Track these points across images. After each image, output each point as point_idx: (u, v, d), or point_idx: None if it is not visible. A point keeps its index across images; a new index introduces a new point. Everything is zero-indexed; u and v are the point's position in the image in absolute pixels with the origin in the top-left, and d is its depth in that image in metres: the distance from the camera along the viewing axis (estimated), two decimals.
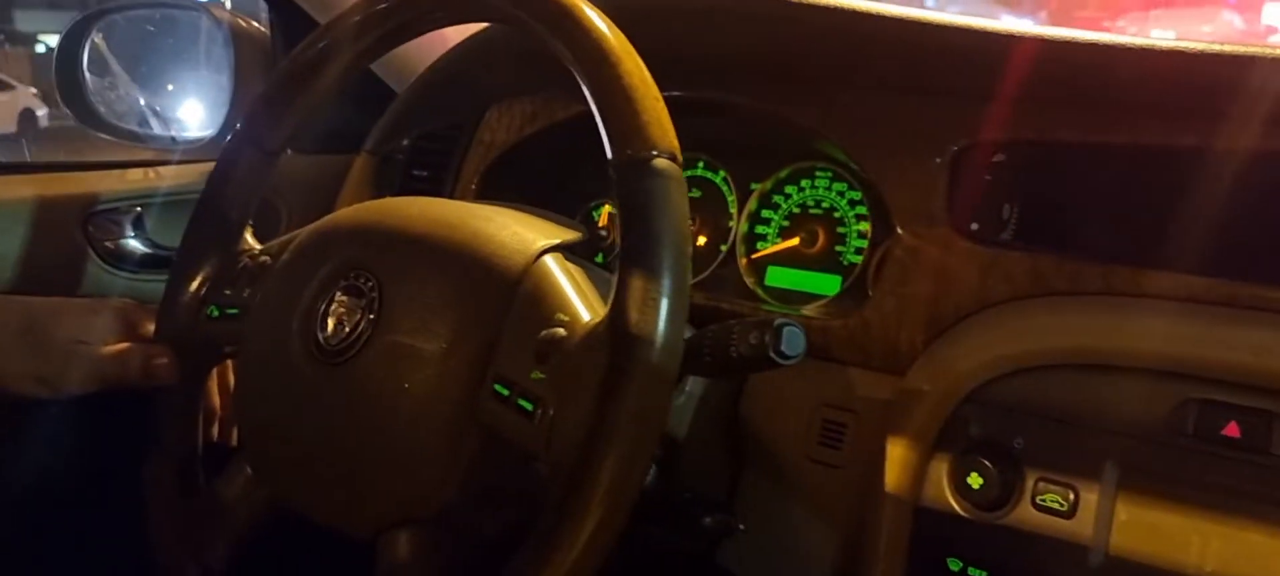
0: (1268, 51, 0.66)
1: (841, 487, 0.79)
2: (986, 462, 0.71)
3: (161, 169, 1.14)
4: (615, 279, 0.61)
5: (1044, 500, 0.69)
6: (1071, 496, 0.68)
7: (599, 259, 1.01)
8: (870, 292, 0.94)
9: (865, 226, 0.96)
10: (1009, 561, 0.70)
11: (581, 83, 0.65)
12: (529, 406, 0.63)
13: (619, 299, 0.60)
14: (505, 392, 0.64)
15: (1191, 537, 0.64)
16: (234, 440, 0.93)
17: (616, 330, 0.59)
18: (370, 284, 0.72)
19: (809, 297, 0.98)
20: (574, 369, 0.62)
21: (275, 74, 0.85)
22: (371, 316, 0.71)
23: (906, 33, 0.79)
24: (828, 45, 0.85)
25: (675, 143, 0.63)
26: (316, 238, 0.79)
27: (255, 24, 1.27)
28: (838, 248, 0.98)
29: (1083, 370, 0.70)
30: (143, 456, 0.84)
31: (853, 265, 0.96)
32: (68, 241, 1.04)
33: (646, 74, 0.64)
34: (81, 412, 0.88)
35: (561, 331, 0.64)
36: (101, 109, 1.25)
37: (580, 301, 0.66)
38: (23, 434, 0.95)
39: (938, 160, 0.79)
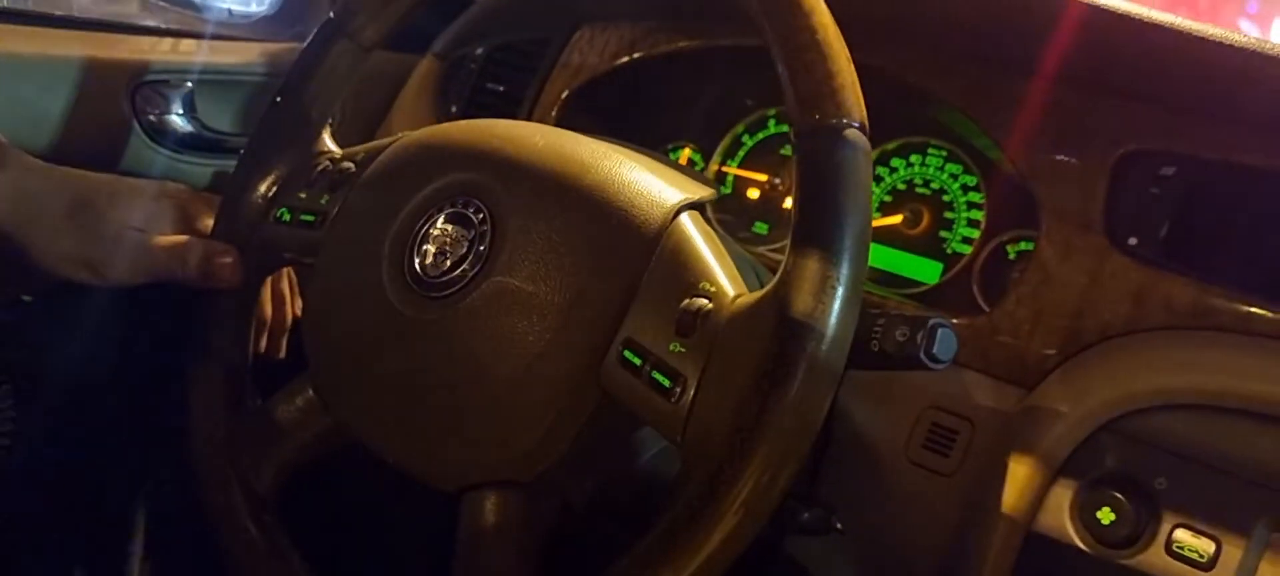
0: None
1: (945, 497, 0.74)
2: (1120, 497, 0.66)
3: (216, 43, 1.06)
4: (788, 254, 0.55)
5: (1180, 547, 0.64)
6: (1213, 548, 0.64)
7: None
8: (975, 287, 0.88)
9: (978, 215, 0.90)
10: None
11: (767, 33, 0.58)
12: (665, 382, 0.56)
13: (791, 279, 0.54)
14: (637, 361, 0.58)
15: None
16: (282, 353, 0.87)
17: (785, 314, 0.53)
18: (481, 216, 0.65)
19: (905, 282, 0.92)
20: (726, 349, 0.55)
21: None
22: (482, 251, 0.64)
23: (1091, 19, 0.72)
24: (996, 22, 0.78)
25: (866, 113, 0.56)
26: (417, 151, 0.72)
27: None
28: (943, 233, 0.92)
29: (1241, 416, 0.64)
30: (186, 356, 0.77)
31: (959, 255, 0.90)
32: (113, 109, 0.96)
33: (838, 32, 0.57)
34: (125, 302, 0.80)
35: (706, 303, 0.57)
36: None
37: (723, 272, 0.60)
38: (63, 318, 0.88)
39: (1101, 163, 0.73)
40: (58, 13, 0.99)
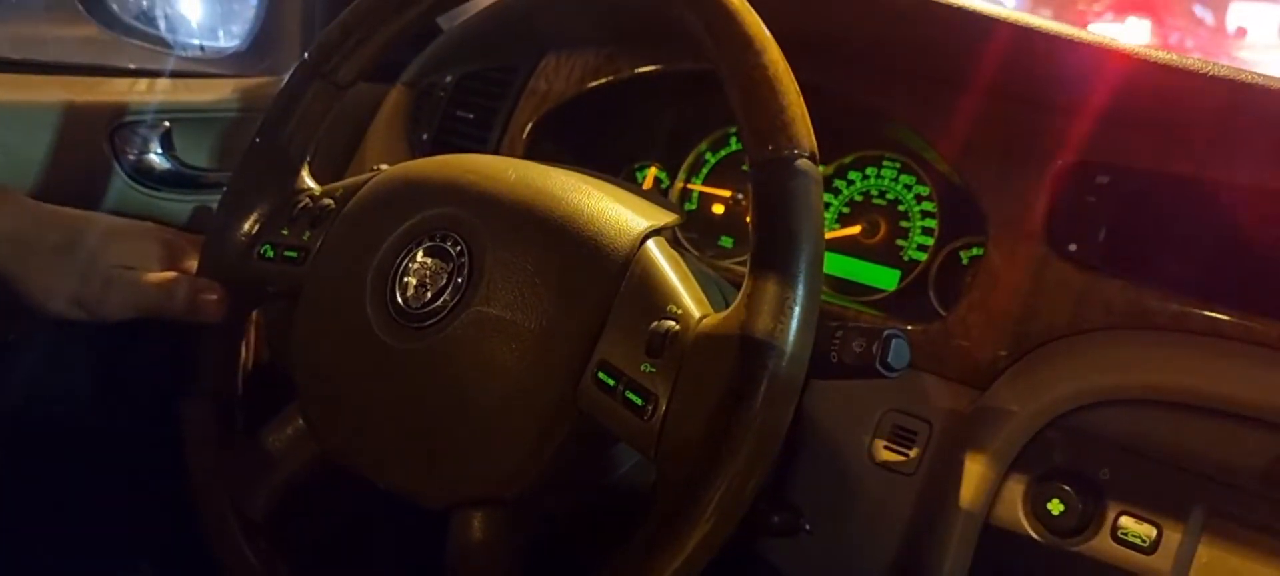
0: None
1: (906, 495, 0.78)
2: (1068, 489, 0.70)
3: (191, 81, 1.09)
4: (747, 279, 0.59)
5: (1124, 534, 0.69)
6: (1154, 533, 0.68)
7: None
8: (931, 292, 0.93)
9: (932, 223, 0.95)
10: None
11: (721, 69, 0.62)
12: (638, 400, 0.60)
13: (751, 302, 0.58)
14: (611, 382, 0.61)
15: None
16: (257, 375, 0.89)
17: (747, 334, 0.57)
18: (459, 249, 0.68)
19: (865, 289, 0.96)
20: (693, 368, 0.59)
21: (359, 2, 0.79)
22: (460, 282, 0.67)
23: (1025, 40, 0.77)
24: (938, 43, 0.82)
25: (815, 143, 0.60)
26: (395, 187, 0.75)
27: None
28: (899, 242, 0.96)
29: (1178, 409, 0.69)
30: (175, 392, 0.80)
31: (915, 262, 0.95)
32: (94, 151, 0.99)
33: (788, 68, 0.61)
34: (112, 338, 0.83)
35: (674, 325, 0.61)
36: (115, 6, 1.19)
37: (688, 294, 0.64)
38: (51, 354, 0.91)
39: (1040, 174, 0.77)
40: (36, 58, 1.02)
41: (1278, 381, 0.66)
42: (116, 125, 1.00)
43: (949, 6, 0.81)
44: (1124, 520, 0.69)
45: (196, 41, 1.17)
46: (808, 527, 0.80)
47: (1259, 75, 0.70)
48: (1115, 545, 0.69)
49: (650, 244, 0.66)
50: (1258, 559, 0.65)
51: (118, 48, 1.11)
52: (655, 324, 0.62)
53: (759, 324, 0.57)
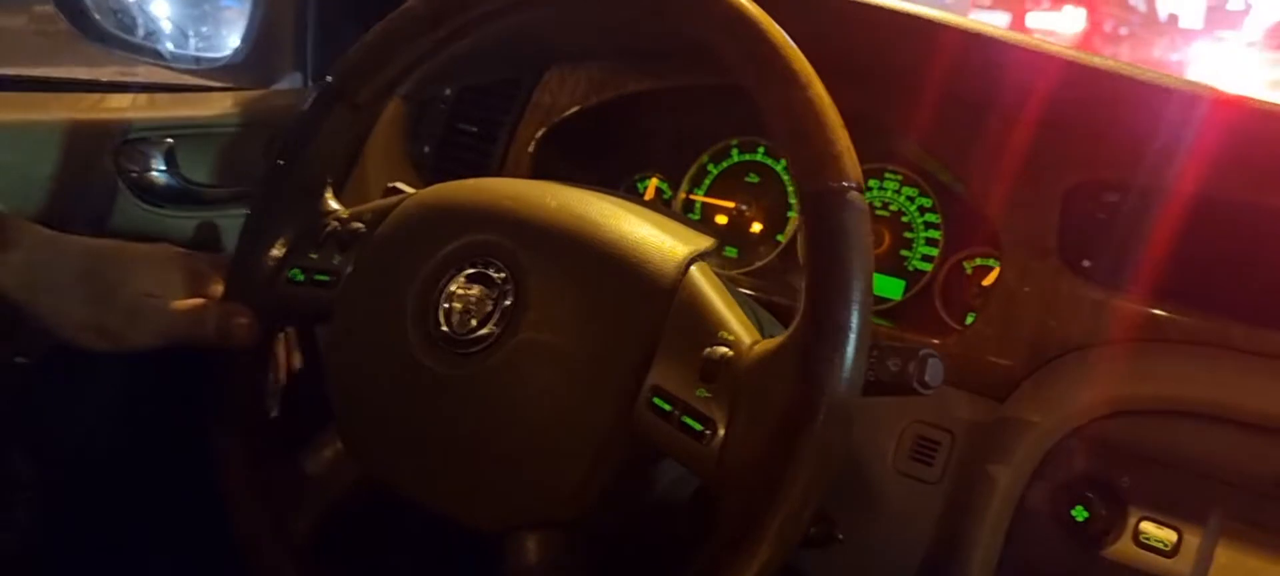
0: None
1: (931, 504, 0.81)
2: (1091, 496, 0.74)
3: (192, 95, 1.08)
4: (802, 307, 0.61)
5: (1146, 538, 0.72)
6: (1175, 537, 0.72)
7: None
8: (937, 302, 0.96)
9: (936, 234, 0.98)
10: None
11: (767, 104, 0.63)
12: (697, 426, 0.62)
13: (808, 328, 0.60)
14: (667, 408, 0.63)
15: None
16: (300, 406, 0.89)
17: (805, 361, 0.59)
18: (503, 275, 0.69)
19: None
20: (751, 393, 0.61)
21: (382, 26, 0.79)
22: (508, 307, 0.68)
23: (1035, 64, 0.79)
24: (947, 64, 0.85)
25: (861, 175, 0.62)
26: (429, 212, 0.76)
27: None
28: (903, 252, 0.99)
29: (1193, 418, 0.72)
30: (204, 417, 0.80)
31: (920, 272, 0.98)
32: (99, 169, 0.98)
33: (831, 102, 0.63)
34: (137, 365, 0.83)
35: (728, 351, 0.63)
36: (97, 16, 1.17)
37: (736, 321, 0.65)
38: (76, 381, 0.90)
39: (1052, 193, 0.81)
40: (34, 75, 1.01)
41: None
42: (120, 142, 0.99)
43: (957, 30, 0.84)
44: (1145, 525, 0.72)
45: (193, 54, 1.16)
46: (841, 537, 0.82)
47: (1260, 101, 0.74)
48: (1138, 549, 0.72)
49: (694, 270, 0.68)
50: (1273, 559, 0.69)
51: (119, 66, 1.09)
52: (708, 350, 0.63)
53: (816, 350, 0.59)
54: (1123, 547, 0.73)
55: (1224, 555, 0.70)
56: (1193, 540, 0.71)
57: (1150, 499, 0.73)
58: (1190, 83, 0.75)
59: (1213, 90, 0.76)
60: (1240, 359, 0.73)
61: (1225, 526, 0.71)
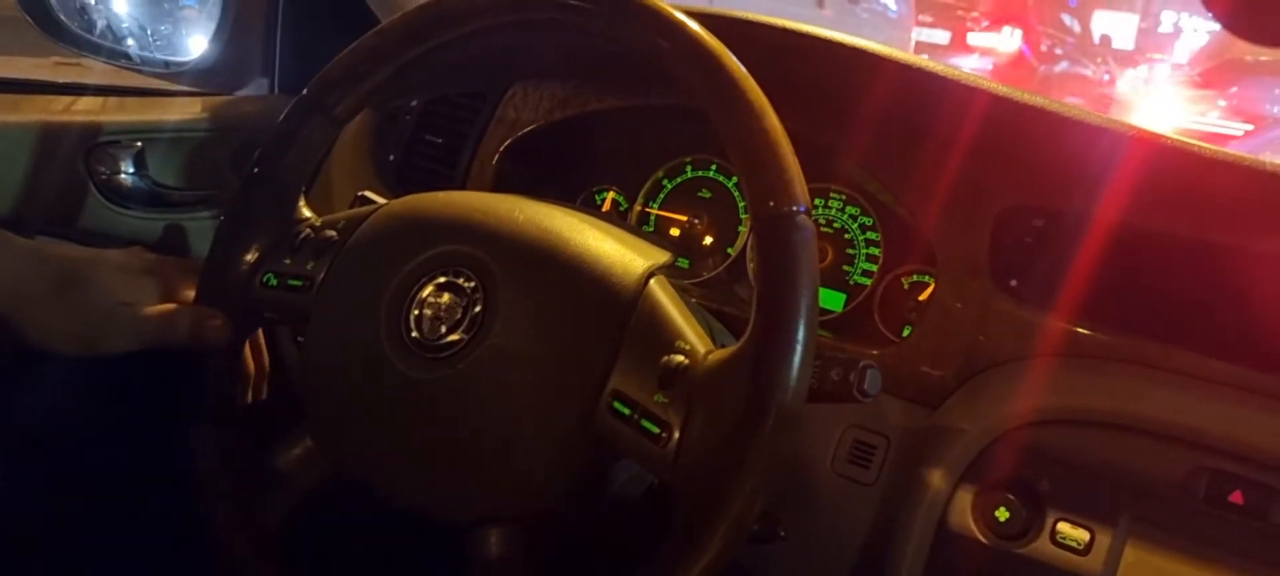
0: None
1: (866, 504, 0.87)
2: (1013, 498, 0.80)
3: (161, 99, 1.10)
4: (754, 320, 0.66)
5: (1062, 537, 0.79)
6: (1087, 536, 0.78)
7: None
8: (876, 315, 1.02)
9: (876, 251, 1.04)
10: None
11: (725, 131, 0.68)
12: (654, 429, 0.67)
13: (759, 341, 0.65)
14: (627, 411, 0.68)
15: None
16: (267, 404, 0.92)
17: (756, 371, 0.64)
18: (472, 284, 0.74)
19: None
20: (706, 399, 0.66)
21: (362, 42, 0.83)
22: (477, 315, 0.73)
23: (970, 97, 0.86)
24: (892, 95, 0.91)
25: (809, 199, 0.67)
26: (402, 222, 0.80)
27: None
28: (845, 267, 1.05)
29: (1108, 428, 0.79)
30: (178, 417, 0.83)
31: (860, 286, 1.04)
32: (69, 171, 1.00)
33: (784, 132, 0.68)
34: (112, 368, 0.85)
35: (684, 359, 0.68)
36: (63, 17, 1.19)
37: (692, 331, 0.70)
38: (50, 384, 0.92)
39: (984, 216, 0.87)
40: (5, 77, 1.02)
41: (1192, 405, 0.77)
42: (91, 145, 1.01)
43: (898, 63, 0.90)
44: (1061, 525, 0.79)
45: (161, 58, 1.18)
46: (783, 534, 0.87)
47: (1173, 139, 0.81)
48: (1054, 547, 0.79)
49: (653, 283, 0.73)
50: (1177, 559, 0.75)
51: (88, 69, 1.11)
52: (666, 358, 0.68)
53: (767, 361, 0.64)
54: (1040, 546, 0.79)
55: (1132, 554, 0.77)
56: (1104, 540, 0.77)
57: (1066, 501, 0.79)
58: (1108, 120, 0.82)
59: (1129, 127, 0.82)
60: (1152, 374, 0.80)
61: (1133, 528, 0.77)
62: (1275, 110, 6.73)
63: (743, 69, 0.69)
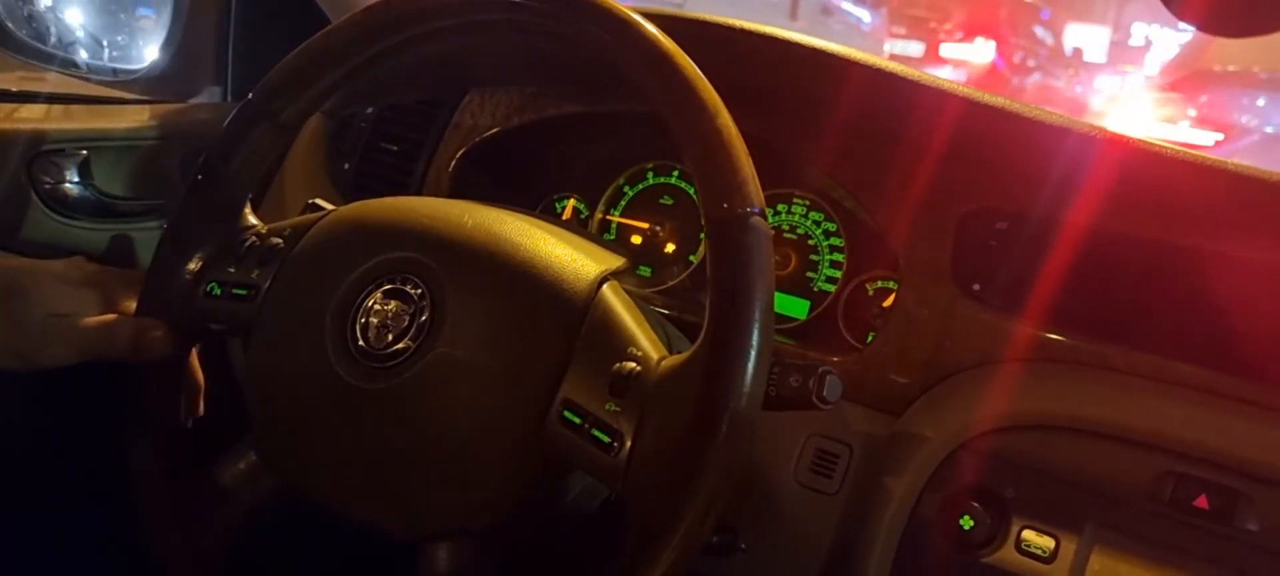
0: (1268, 175, 0.75)
1: (829, 514, 0.85)
2: (977, 505, 0.78)
3: (107, 108, 1.08)
4: (707, 325, 0.64)
5: (1027, 545, 0.77)
6: (1052, 544, 0.76)
7: None
8: (840, 321, 1.00)
9: (840, 257, 1.02)
10: None
11: (679, 132, 0.66)
12: (605, 438, 0.65)
13: (711, 345, 0.63)
14: (577, 420, 0.66)
15: None
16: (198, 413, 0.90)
17: (708, 377, 0.62)
18: (419, 292, 0.71)
19: (778, 318, 1.03)
20: (657, 407, 0.64)
21: (309, 45, 0.80)
22: (424, 323, 0.70)
23: (934, 100, 0.84)
24: (853, 99, 0.89)
25: (764, 200, 0.65)
26: (348, 229, 0.78)
27: None
28: (809, 274, 1.04)
29: (1073, 433, 0.77)
30: (118, 431, 0.81)
31: (824, 293, 1.02)
32: (11, 180, 0.97)
33: (738, 133, 0.66)
34: (48, 383, 0.83)
35: (636, 366, 0.66)
36: (10, 24, 1.16)
37: (644, 337, 0.68)
38: None
39: (947, 220, 0.85)
40: None
41: (1157, 409, 0.76)
42: (34, 153, 0.98)
43: (862, 66, 0.89)
44: (1026, 533, 0.77)
45: (110, 66, 1.15)
46: (743, 547, 0.85)
47: (1135, 139, 0.80)
48: (1019, 555, 0.77)
49: (605, 288, 0.71)
50: (1142, 566, 0.74)
51: (34, 75, 1.09)
52: (617, 366, 0.66)
53: (718, 365, 0.62)
54: (1005, 554, 0.77)
55: (1098, 561, 0.75)
56: (1069, 547, 0.76)
57: (1031, 509, 0.77)
58: (1073, 121, 0.81)
59: (1094, 128, 0.81)
60: (1116, 378, 0.78)
61: (1099, 535, 0.75)
62: (1244, 119, 6.80)
63: (696, 68, 0.67)
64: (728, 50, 0.93)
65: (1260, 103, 6.83)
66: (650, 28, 0.68)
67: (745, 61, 0.93)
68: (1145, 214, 0.80)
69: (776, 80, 0.94)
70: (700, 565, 0.88)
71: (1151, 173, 0.79)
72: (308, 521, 0.76)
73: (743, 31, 0.93)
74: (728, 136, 0.65)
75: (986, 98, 0.84)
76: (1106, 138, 0.81)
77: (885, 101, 0.88)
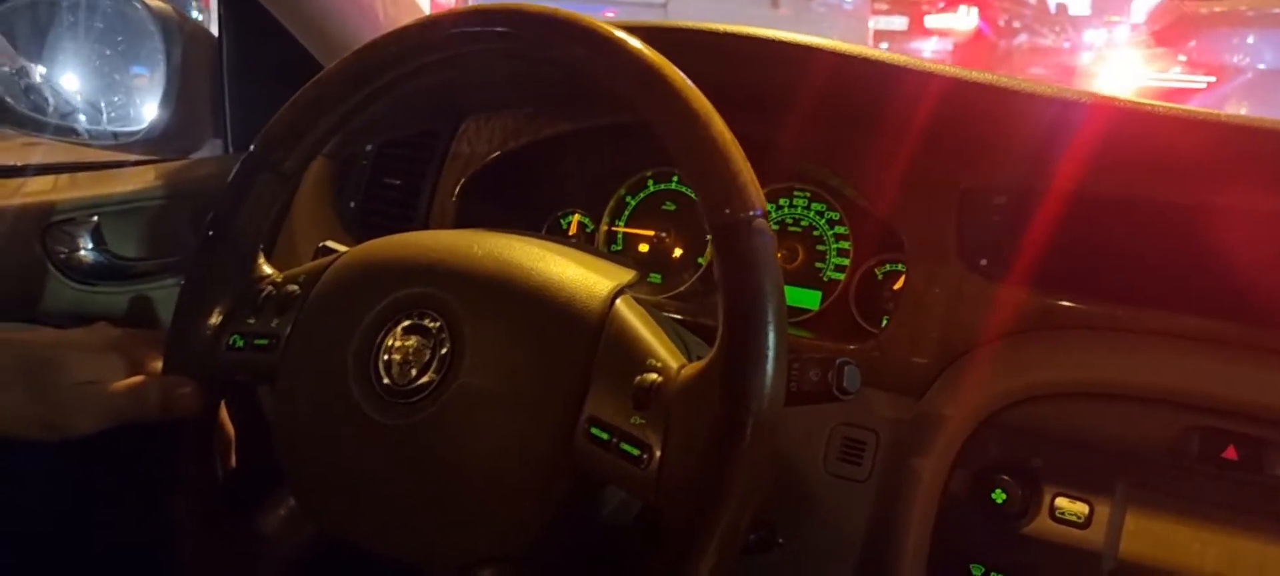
0: (1260, 122, 0.76)
1: (862, 500, 0.85)
2: (1008, 478, 0.79)
3: (113, 172, 1.09)
4: (721, 331, 0.64)
5: (1061, 513, 0.77)
6: (1086, 510, 0.77)
7: None
8: (853, 308, 1.01)
9: (846, 245, 1.03)
10: (1028, 566, 0.78)
11: (673, 144, 0.67)
12: (634, 451, 0.65)
13: (729, 352, 0.63)
14: (605, 436, 0.67)
15: (1192, 546, 0.74)
16: (231, 464, 0.91)
17: (728, 383, 0.63)
18: (438, 325, 0.72)
19: (791, 311, 1.03)
20: (682, 416, 0.65)
21: (301, 95, 0.82)
22: (445, 355, 0.71)
23: (923, 83, 0.85)
24: (845, 90, 0.90)
25: (765, 201, 0.66)
26: (362, 270, 0.79)
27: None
28: (818, 264, 1.04)
29: (1094, 398, 0.78)
30: (155, 490, 0.82)
31: (834, 282, 1.03)
32: (27, 253, 0.98)
33: (732, 136, 0.67)
34: (83, 451, 0.84)
35: (657, 377, 0.67)
36: (9, 99, 1.17)
37: (663, 348, 0.69)
38: (22, 476, 0.90)
39: (947, 198, 0.86)
40: None
41: (1174, 365, 0.76)
42: (47, 224, 1.00)
43: (842, 55, 0.89)
44: (1059, 500, 0.78)
45: (110, 130, 1.16)
46: (781, 541, 0.86)
47: (1125, 101, 0.80)
48: (1054, 524, 0.78)
49: (619, 303, 0.72)
50: (1178, 522, 0.74)
51: (35, 146, 1.10)
52: (639, 378, 0.67)
53: (738, 371, 0.63)
54: (1041, 524, 0.78)
55: (1133, 521, 0.76)
56: (1103, 510, 0.76)
57: (1062, 476, 0.78)
58: (1060, 88, 0.81)
59: (1081, 93, 0.82)
60: (1128, 338, 0.79)
61: (1131, 495, 0.76)
62: (1235, 60, 6.77)
63: (683, 77, 0.68)
64: (712, 54, 0.94)
65: (1250, 40, 6.80)
66: (634, 43, 0.69)
67: (731, 63, 0.94)
68: (1140, 174, 0.81)
69: (763, 78, 0.94)
70: (741, 564, 0.90)
71: (1142, 133, 0.80)
72: (350, 564, 0.76)
73: (725, 34, 0.93)
74: (722, 142, 0.66)
75: (972, 74, 0.85)
76: (1095, 102, 0.81)
77: (872, 89, 0.89)
